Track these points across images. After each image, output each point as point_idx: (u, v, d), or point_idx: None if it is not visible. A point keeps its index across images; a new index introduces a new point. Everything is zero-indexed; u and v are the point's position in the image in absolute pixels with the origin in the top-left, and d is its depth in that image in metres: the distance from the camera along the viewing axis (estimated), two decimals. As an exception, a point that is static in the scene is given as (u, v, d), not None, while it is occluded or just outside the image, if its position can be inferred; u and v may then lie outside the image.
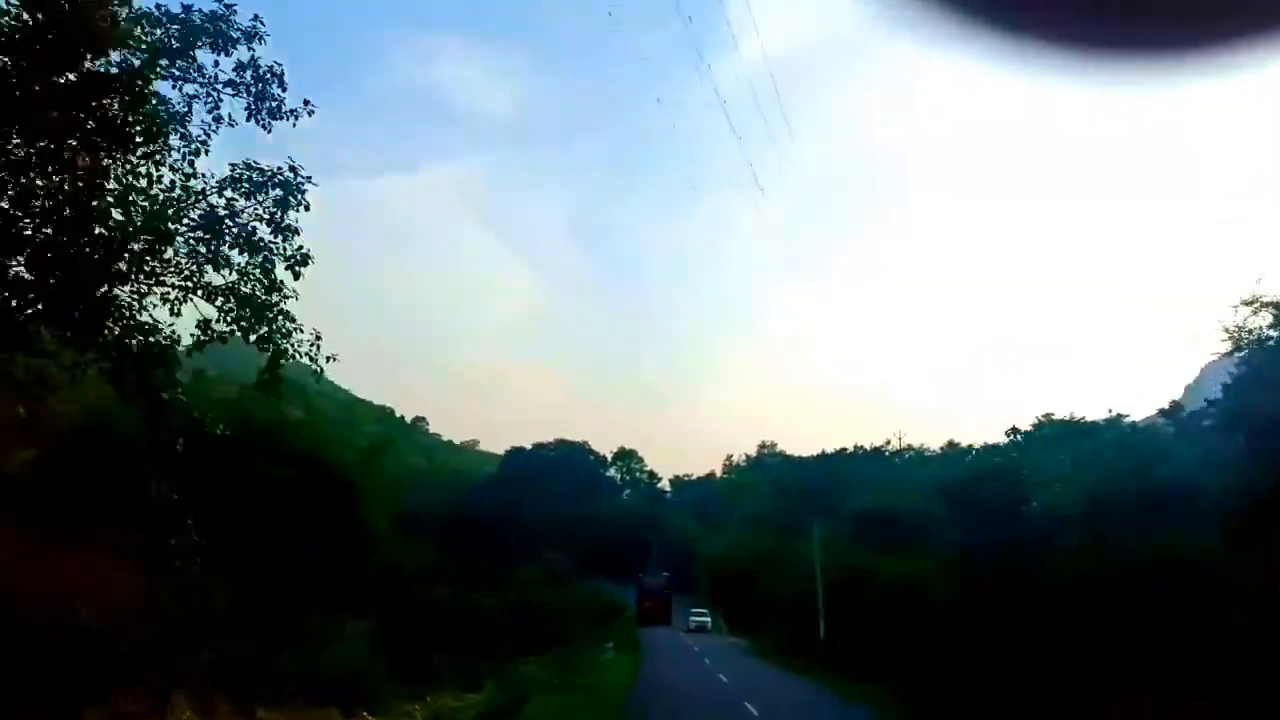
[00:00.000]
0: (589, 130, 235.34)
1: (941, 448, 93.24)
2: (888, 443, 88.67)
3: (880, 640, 33.54)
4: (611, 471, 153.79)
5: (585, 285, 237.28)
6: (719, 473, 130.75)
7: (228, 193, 14.23)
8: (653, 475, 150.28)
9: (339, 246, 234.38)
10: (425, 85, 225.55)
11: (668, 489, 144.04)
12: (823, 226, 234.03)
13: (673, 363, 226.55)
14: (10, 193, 12.61)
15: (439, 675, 35.91)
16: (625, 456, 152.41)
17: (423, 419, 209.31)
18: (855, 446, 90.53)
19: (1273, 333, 23.82)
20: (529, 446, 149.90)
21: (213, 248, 14.21)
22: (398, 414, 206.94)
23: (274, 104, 14.26)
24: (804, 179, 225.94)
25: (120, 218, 13.49)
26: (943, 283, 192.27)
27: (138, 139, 13.32)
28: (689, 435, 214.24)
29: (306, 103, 14.70)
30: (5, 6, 12.26)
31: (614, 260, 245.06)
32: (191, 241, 14.21)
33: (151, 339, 14.13)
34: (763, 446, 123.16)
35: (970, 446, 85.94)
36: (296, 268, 14.65)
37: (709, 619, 69.54)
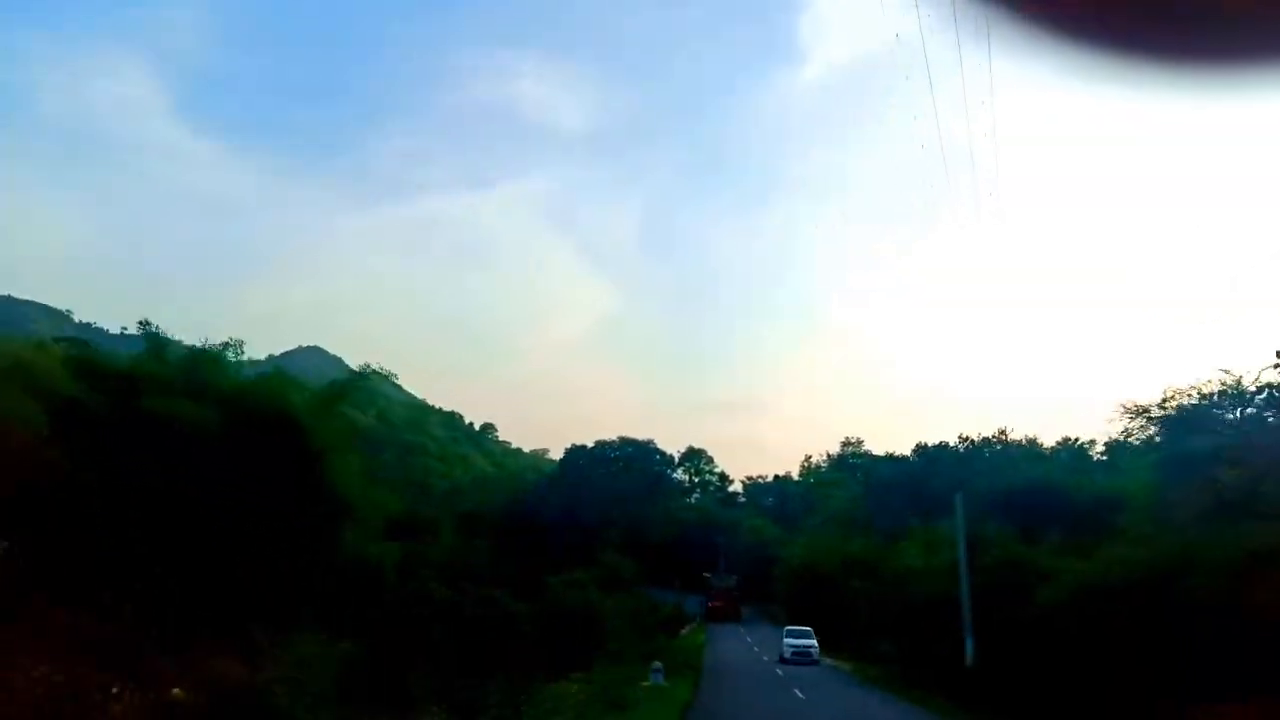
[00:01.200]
0: (661, 139, 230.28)
1: (1056, 443, 79.86)
2: (1001, 434, 75.70)
3: (1074, 666, 21.79)
4: (679, 473, 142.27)
5: (657, 292, 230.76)
6: (796, 474, 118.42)
7: None
8: (724, 477, 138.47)
9: (417, 263, 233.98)
10: (501, 102, 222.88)
11: (739, 491, 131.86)
12: (895, 225, 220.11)
13: (746, 365, 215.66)
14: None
15: (417, 701, 25.16)
16: (694, 457, 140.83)
17: (491, 426, 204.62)
18: (961, 438, 77.66)
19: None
20: (590, 445, 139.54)
21: None
22: (466, 420, 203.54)
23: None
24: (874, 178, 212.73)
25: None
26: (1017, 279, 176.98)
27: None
28: (762, 438, 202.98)
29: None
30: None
31: (686, 267, 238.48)
32: None
33: None
34: (846, 444, 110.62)
35: (1089, 441, 72.62)
36: None
37: (815, 644, 51.75)
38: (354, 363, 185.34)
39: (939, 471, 78.24)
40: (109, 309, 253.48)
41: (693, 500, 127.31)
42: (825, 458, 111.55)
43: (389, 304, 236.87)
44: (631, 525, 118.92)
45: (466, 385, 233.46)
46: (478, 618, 38.98)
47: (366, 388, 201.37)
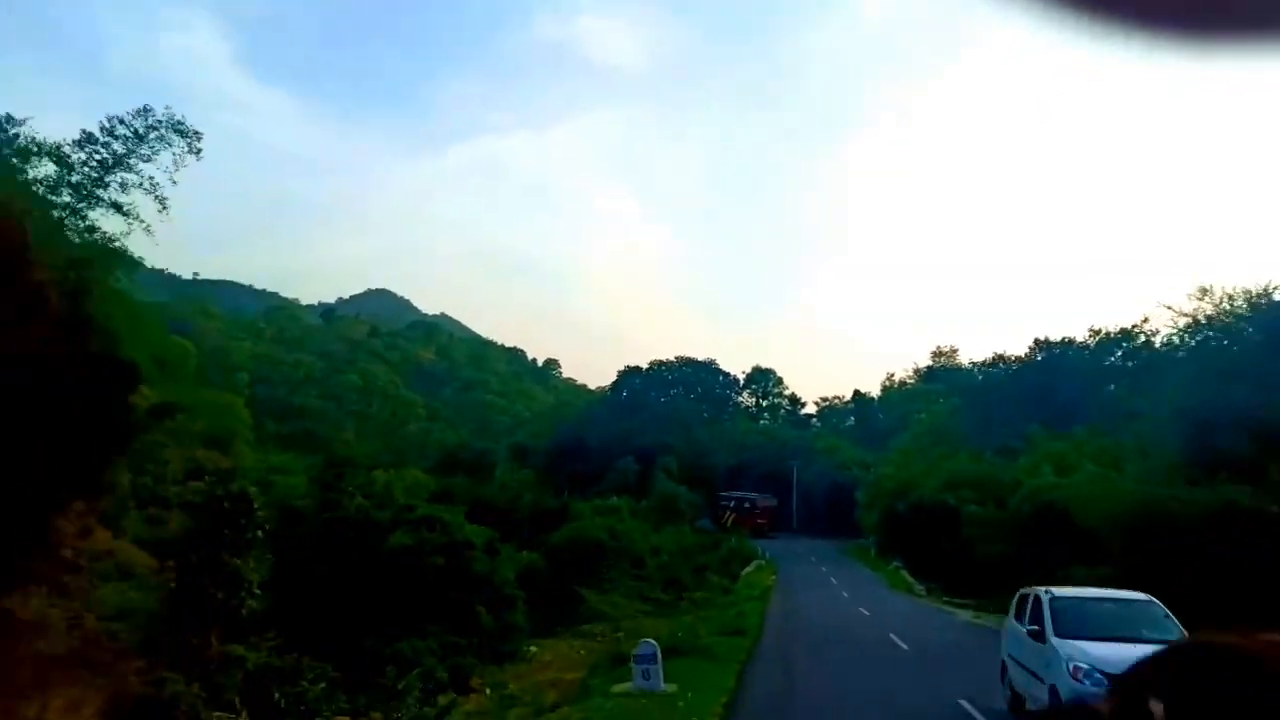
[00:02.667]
0: (721, 73, 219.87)
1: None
2: (1141, 324, 60.19)
3: None
4: (745, 396, 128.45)
5: (721, 225, 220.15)
6: (876, 394, 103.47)
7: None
8: (795, 399, 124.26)
9: (482, 205, 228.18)
10: (561, 41, 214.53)
11: (813, 414, 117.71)
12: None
13: (812, 289, 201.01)
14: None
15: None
16: (761, 377, 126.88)
17: (555, 361, 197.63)
18: (1093, 331, 62.18)
19: None
20: (645, 366, 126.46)
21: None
22: (530, 357, 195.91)
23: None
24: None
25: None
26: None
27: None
28: (834, 360, 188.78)
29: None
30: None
31: (749, 198, 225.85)
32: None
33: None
34: (938, 354, 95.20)
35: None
36: None
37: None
38: (421, 304, 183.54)
39: (1062, 374, 63.35)
40: (187, 259, 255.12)
41: (761, 425, 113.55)
42: (912, 373, 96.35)
43: (454, 247, 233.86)
44: (693, 452, 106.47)
45: (531, 324, 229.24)
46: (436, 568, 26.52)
47: (427, 325, 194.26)
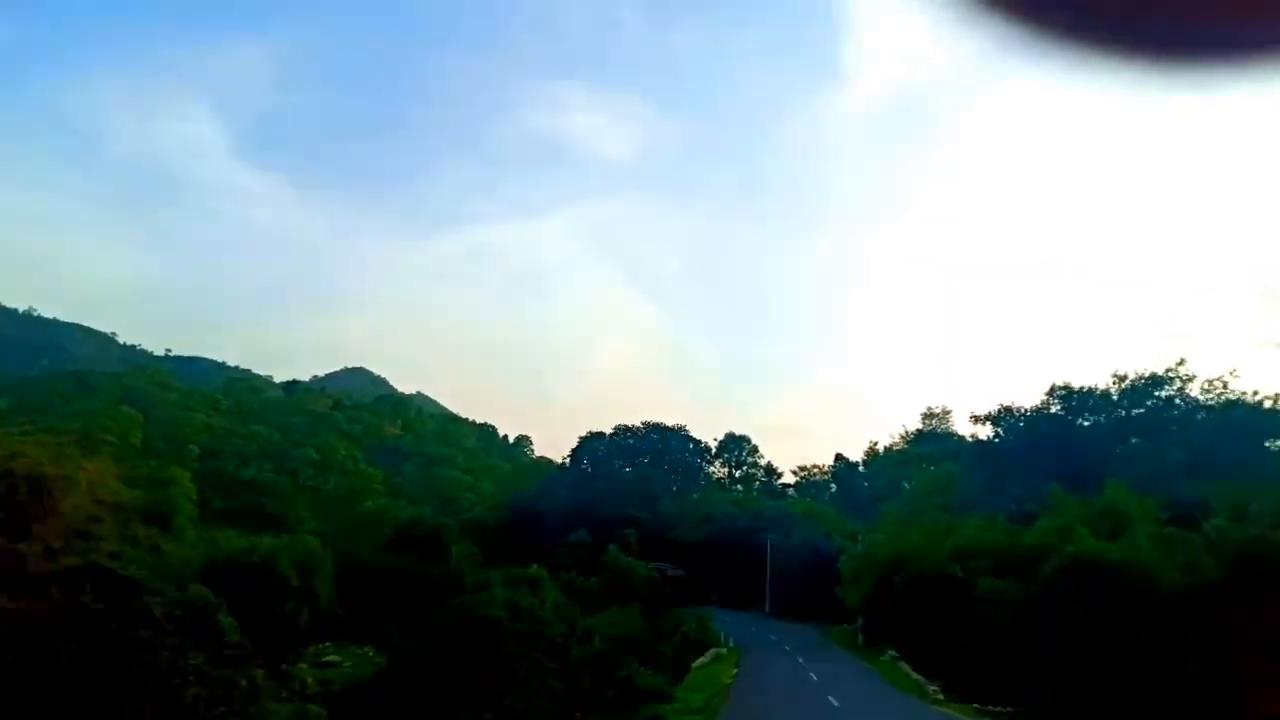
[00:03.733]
0: (710, 167, 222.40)
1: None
2: (1177, 366, 50.82)
3: None
4: (717, 467, 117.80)
5: (705, 315, 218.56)
6: (860, 460, 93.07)
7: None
8: (770, 469, 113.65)
9: (468, 291, 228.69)
10: (553, 133, 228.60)
11: (790, 485, 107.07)
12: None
13: (794, 385, 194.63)
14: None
15: None
16: (735, 444, 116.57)
17: (526, 438, 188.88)
18: (1117, 377, 52.58)
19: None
20: (610, 432, 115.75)
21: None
22: (501, 434, 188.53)
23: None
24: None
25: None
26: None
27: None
28: (813, 429, 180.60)
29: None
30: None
31: (734, 289, 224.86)
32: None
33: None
34: (929, 416, 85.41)
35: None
36: None
37: None
38: (397, 383, 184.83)
39: (1081, 429, 53.74)
40: (163, 336, 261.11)
41: (734, 493, 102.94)
42: (900, 438, 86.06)
43: (437, 329, 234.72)
44: (658, 524, 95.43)
45: (508, 403, 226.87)
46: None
47: (394, 400, 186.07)
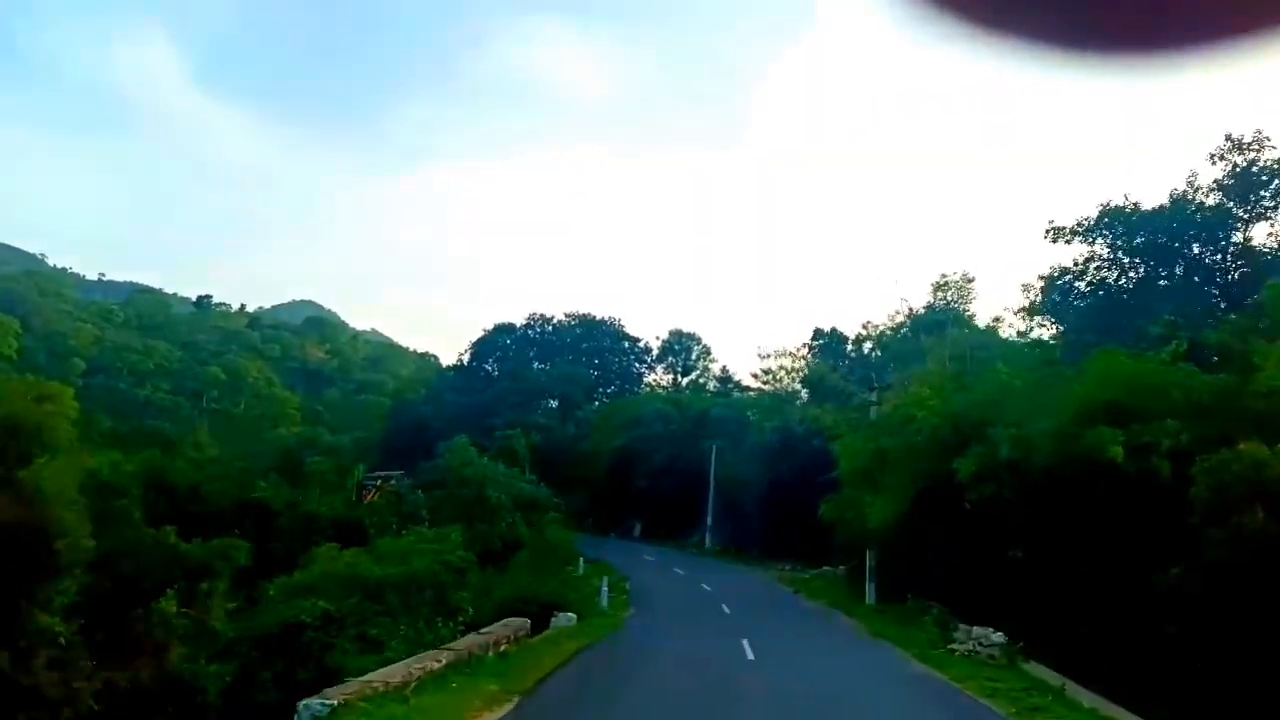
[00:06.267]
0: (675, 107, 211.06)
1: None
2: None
3: None
4: (659, 374, 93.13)
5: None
6: (848, 344, 67.98)
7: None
8: (727, 378, 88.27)
9: (427, 230, 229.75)
10: (521, 69, 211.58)
11: (752, 390, 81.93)
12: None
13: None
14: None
15: None
16: (680, 344, 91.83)
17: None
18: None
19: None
20: (519, 324, 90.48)
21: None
22: (442, 362, 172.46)
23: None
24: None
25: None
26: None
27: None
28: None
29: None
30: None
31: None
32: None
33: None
34: (942, 288, 60.48)
35: None
36: None
37: None
38: (350, 319, 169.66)
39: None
40: (100, 263, 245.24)
41: (665, 394, 78.82)
42: (904, 316, 60.61)
43: (394, 266, 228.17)
44: (570, 435, 71.71)
45: (458, 338, 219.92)
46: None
47: (321, 322, 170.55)
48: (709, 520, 52.67)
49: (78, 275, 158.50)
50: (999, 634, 16.67)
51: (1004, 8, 1.41)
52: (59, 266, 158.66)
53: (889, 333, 62.41)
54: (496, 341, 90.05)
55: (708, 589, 32.04)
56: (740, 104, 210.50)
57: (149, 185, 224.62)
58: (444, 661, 13.16)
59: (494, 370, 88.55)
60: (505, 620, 18.17)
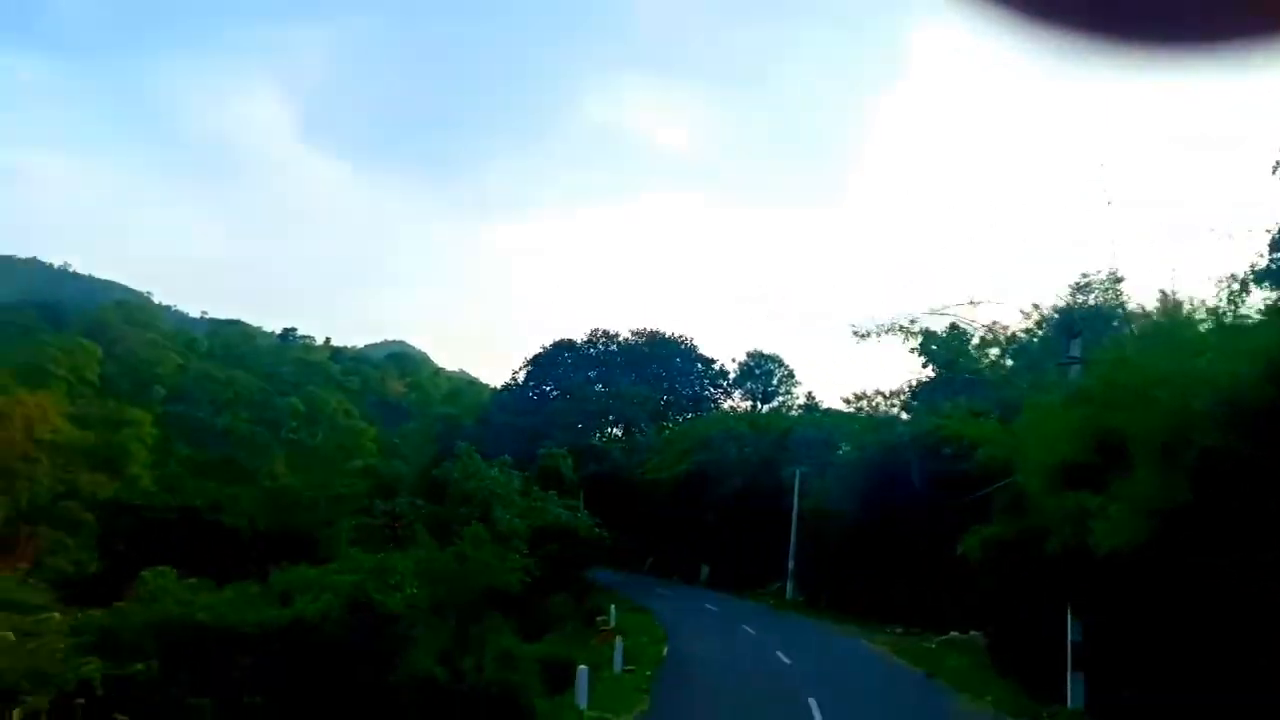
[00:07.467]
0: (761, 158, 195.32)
1: None
2: None
3: None
4: (736, 400, 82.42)
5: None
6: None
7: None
8: (811, 400, 77.17)
9: (520, 276, 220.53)
10: (612, 124, 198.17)
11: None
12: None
13: None
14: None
15: None
16: (760, 366, 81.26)
17: None
18: None
19: None
20: (580, 340, 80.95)
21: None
22: None
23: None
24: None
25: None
26: None
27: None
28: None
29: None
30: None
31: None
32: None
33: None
34: (1082, 289, 48.88)
35: None
36: None
37: None
38: (440, 360, 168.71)
39: None
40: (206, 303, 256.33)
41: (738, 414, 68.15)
42: (1034, 321, 48.75)
43: (487, 311, 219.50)
44: (636, 459, 61.80)
45: None
46: None
47: (402, 356, 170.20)
48: (791, 564, 41.87)
49: (182, 313, 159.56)
50: None
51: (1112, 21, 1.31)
52: (164, 304, 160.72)
53: (1022, 335, 50.62)
54: (554, 358, 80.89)
55: (786, 661, 21.65)
56: (836, 153, 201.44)
57: (255, 228, 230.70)
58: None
59: (551, 390, 79.45)
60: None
